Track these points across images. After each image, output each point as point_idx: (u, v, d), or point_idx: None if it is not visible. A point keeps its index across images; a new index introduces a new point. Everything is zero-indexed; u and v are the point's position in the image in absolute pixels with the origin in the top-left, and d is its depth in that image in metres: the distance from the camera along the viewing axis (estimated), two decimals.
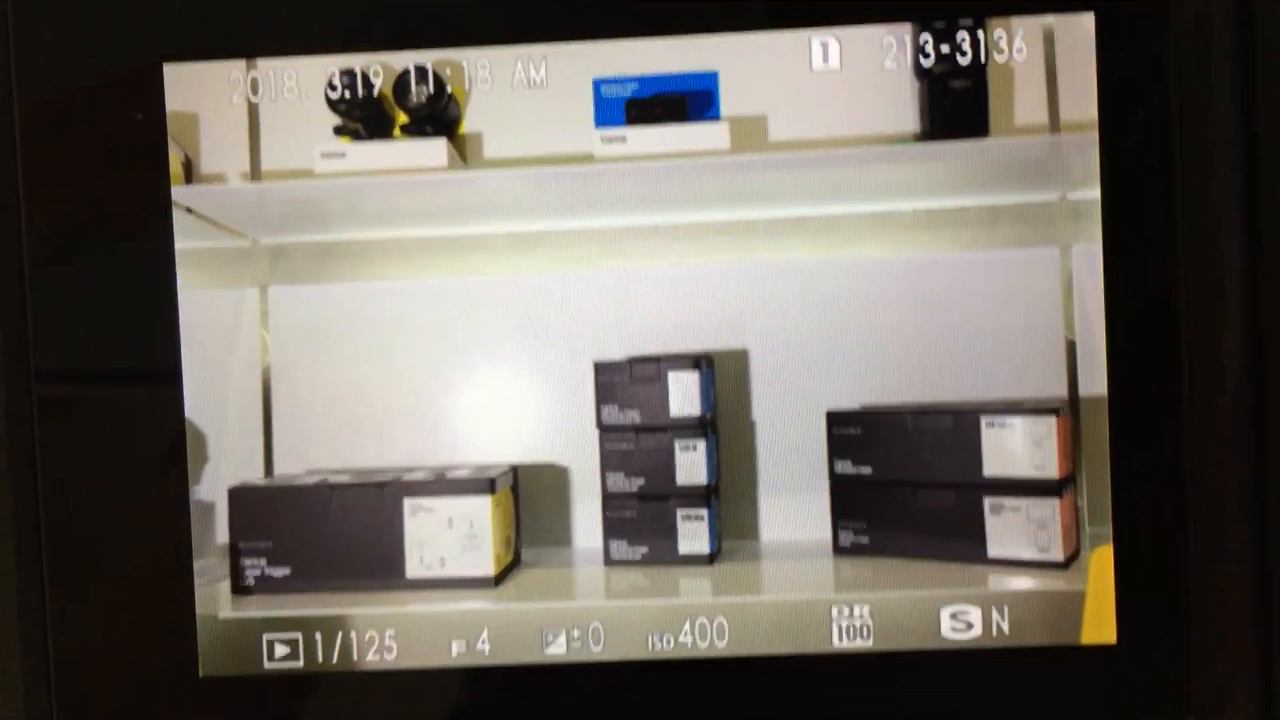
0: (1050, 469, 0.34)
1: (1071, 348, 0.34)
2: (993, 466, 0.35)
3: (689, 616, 0.34)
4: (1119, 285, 0.32)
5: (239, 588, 0.35)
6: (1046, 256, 0.34)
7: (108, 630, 0.34)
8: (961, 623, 0.34)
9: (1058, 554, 0.34)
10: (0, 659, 0.34)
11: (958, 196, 0.34)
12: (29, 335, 0.33)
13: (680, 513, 0.36)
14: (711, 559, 0.36)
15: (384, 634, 0.34)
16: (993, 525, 0.35)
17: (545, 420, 0.35)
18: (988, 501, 0.35)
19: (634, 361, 0.36)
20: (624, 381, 0.36)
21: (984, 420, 0.35)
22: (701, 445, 0.36)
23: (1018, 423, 0.34)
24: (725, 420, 0.36)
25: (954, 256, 0.34)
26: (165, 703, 0.34)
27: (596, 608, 0.34)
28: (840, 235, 0.34)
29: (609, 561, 0.36)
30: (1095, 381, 0.33)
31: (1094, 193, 0.32)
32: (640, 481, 0.36)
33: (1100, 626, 0.33)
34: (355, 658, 0.34)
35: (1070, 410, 0.34)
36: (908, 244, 0.34)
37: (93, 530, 0.34)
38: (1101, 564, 0.33)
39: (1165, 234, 0.32)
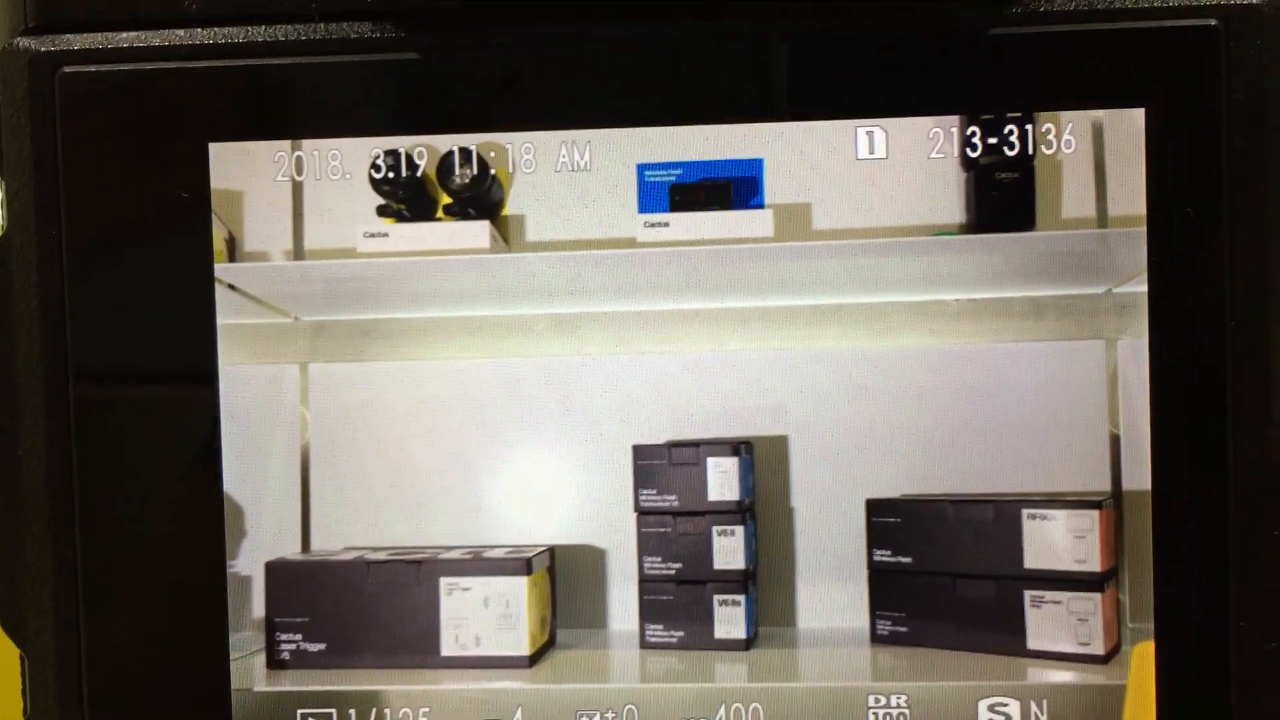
0: (1092, 562, 0.35)
1: (1115, 441, 0.34)
2: (1034, 559, 0.36)
3: (724, 702, 0.35)
4: (1165, 380, 0.33)
5: (274, 662, 0.36)
6: (1092, 349, 0.35)
7: (143, 700, 0.35)
8: (1000, 715, 0.34)
9: (1099, 648, 0.35)
10: None
11: (1002, 288, 0.35)
12: (71, 425, 0.35)
13: (717, 598, 0.37)
14: (748, 644, 0.37)
15: (418, 711, 0.35)
16: (1033, 618, 0.36)
17: (583, 502, 0.37)
18: (1028, 594, 0.36)
19: (673, 446, 0.37)
20: (663, 465, 0.37)
21: (1025, 512, 0.36)
22: (739, 530, 0.37)
23: (1060, 515, 0.35)
24: (764, 507, 0.37)
25: (997, 348, 0.35)
26: None
27: (631, 690, 0.35)
28: (882, 324, 0.35)
29: (645, 645, 0.37)
30: (1139, 476, 0.33)
31: (1141, 287, 0.33)
32: (677, 565, 0.37)
33: None
34: None
35: (1114, 504, 0.35)
36: (951, 334, 0.35)
37: (128, 601, 0.35)
38: (1143, 659, 0.34)
39: (1213, 330, 0.33)
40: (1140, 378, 0.33)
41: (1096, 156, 0.33)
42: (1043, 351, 0.35)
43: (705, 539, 0.37)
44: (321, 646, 0.36)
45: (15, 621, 0.35)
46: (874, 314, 0.35)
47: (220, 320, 0.34)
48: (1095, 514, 0.35)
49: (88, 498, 0.35)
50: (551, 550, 0.37)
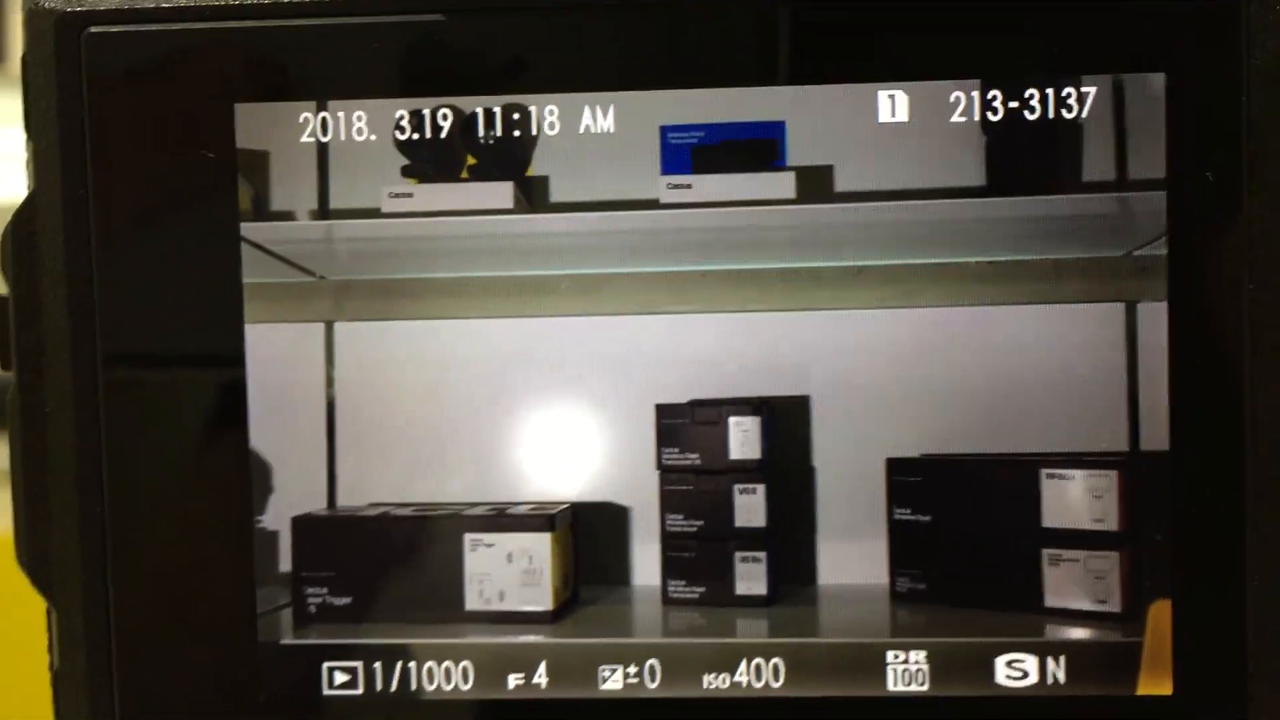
0: (1110, 521, 0.38)
1: (1134, 403, 0.38)
2: (1052, 518, 0.39)
3: (745, 656, 0.38)
4: (1184, 342, 0.36)
5: (301, 616, 0.40)
6: (1111, 312, 0.38)
7: (170, 653, 0.39)
8: (1018, 670, 0.38)
9: (1115, 605, 0.39)
10: (68, 677, 0.39)
11: (1022, 250, 0.38)
12: (98, 380, 0.38)
13: (738, 555, 0.41)
14: (768, 601, 0.41)
15: (442, 665, 0.39)
16: (1051, 576, 0.39)
17: (606, 461, 0.40)
18: (1046, 553, 0.39)
19: (695, 405, 0.40)
20: (685, 424, 0.40)
21: (1044, 472, 0.39)
22: (760, 489, 0.40)
23: (1078, 475, 0.39)
24: (785, 466, 0.40)
25: (1018, 310, 0.38)
26: None
27: (653, 645, 0.39)
28: (903, 286, 0.38)
29: (667, 600, 0.41)
30: (1157, 438, 0.37)
31: (1161, 250, 0.36)
32: (699, 523, 0.41)
33: (1157, 678, 0.37)
34: (413, 687, 0.39)
35: (1132, 464, 0.38)
36: (971, 296, 0.38)
37: (155, 553, 0.39)
38: (1159, 617, 0.37)
39: (1233, 293, 0.36)
40: (1159, 341, 0.36)
41: (1117, 121, 0.37)
42: (1062, 314, 0.38)
43: (727, 497, 0.40)
44: (348, 600, 0.40)
45: (42, 573, 0.39)
46: (895, 276, 0.38)
47: (246, 279, 0.38)
48: (1114, 474, 0.38)
49: (114, 450, 0.38)
50: (574, 507, 0.40)
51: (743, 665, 0.38)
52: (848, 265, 0.38)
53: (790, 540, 0.39)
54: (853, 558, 0.39)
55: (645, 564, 0.40)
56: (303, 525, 0.39)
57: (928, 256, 0.37)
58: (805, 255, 0.38)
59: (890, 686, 0.37)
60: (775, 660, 0.37)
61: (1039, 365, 0.37)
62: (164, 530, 0.38)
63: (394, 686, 0.38)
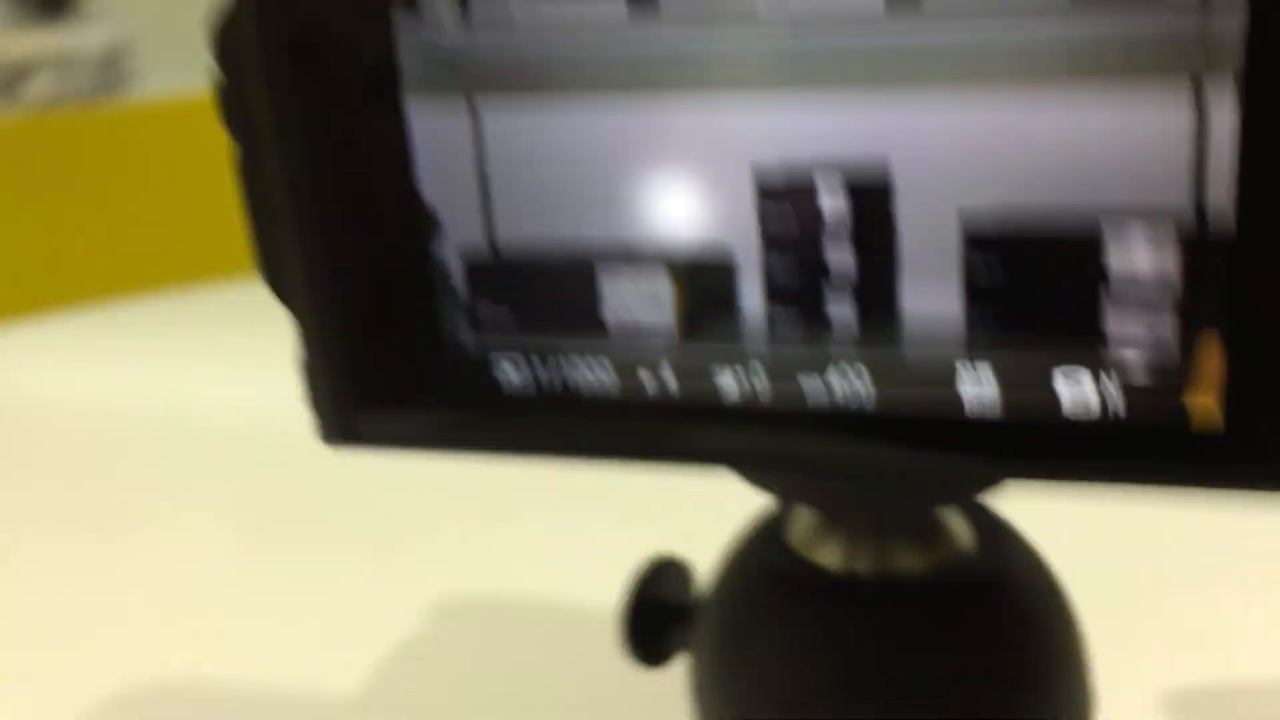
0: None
1: None
2: None
3: None
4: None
5: (473, 323, 0.49)
6: None
7: (378, 351, 0.49)
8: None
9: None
10: (310, 368, 0.50)
11: None
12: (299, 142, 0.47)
13: None
14: None
15: (585, 358, 0.48)
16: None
17: None
18: None
19: None
20: None
21: None
22: None
23: None
24: None
25: None
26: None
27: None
28: None
29: None
30: None
31: None
32: None
33: None
34: (568, 380, 0.48)
35: None
36: None
37: (363, 275, 0.48)
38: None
39: None
40: None
41: None
42: None
43: None
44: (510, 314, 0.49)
45: (280, 289, 0.50)
46: None
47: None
48: None
49: (320, 197, 0.48)
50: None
51: None
52: None
53: None
54: None
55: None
56: (470, 255, 0.47)
57: None
58: None
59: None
60: None
61: None
62: (365, 255, 0.47)
63: (550, 380, 0.47)
